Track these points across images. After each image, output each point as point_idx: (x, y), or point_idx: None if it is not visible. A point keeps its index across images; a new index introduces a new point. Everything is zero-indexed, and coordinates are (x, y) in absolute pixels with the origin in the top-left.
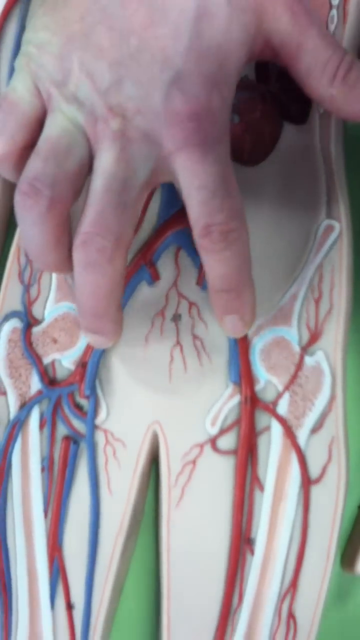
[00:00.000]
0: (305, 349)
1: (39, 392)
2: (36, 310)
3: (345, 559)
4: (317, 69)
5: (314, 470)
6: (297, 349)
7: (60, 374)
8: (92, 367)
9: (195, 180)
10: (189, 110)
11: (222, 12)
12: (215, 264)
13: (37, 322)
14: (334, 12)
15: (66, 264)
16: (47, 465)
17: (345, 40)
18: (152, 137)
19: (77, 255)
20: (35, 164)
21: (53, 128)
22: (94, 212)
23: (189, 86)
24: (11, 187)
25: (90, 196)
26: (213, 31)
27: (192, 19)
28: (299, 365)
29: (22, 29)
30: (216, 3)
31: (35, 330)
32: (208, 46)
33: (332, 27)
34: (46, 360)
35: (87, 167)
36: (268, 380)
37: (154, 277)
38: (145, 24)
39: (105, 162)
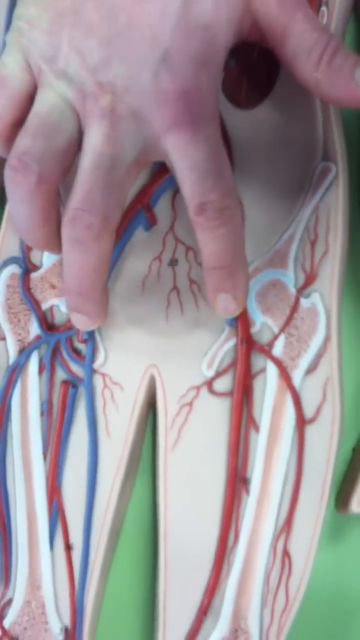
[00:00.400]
0: (301, 291)
1: (38, 337)
2: (34, 256)
3: (340, 500)
4: (302, 53)
5: (309, 411)
6: (292, 291)
7: (58, 319)
8: None
9: (186, 159)
10: (177, 89)
11: None
12: (210, 242)
13: (36, 268)
14: (324, 8)
15: (55, 242)
16: (46, 409)
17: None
18: (141, 115)
19: (65, 232)
20: (24, 140)
21: (43, 104)
22: (82, 190)
23: (177, 65)
24: None
25: (79, 173)
26: (201, 10)
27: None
28: (295, 307)
29: (13, 3)
30: None
31: (34, 276)
32: (196, 25)
33: (323, 21)
34: (45, 305)
35: (77, 144)
36: (264, 322)
37: (151, 222)
38: (134, 0)
39: (94, 139)
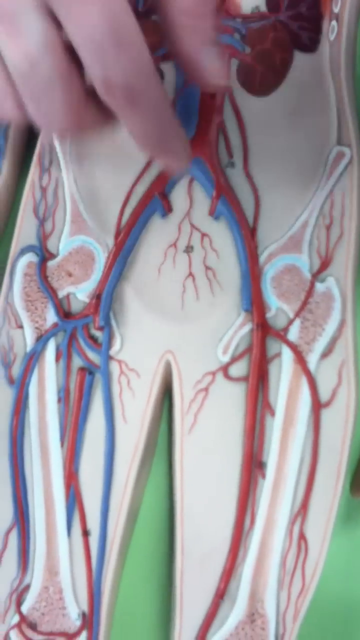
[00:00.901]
0: (316, 276)
1: (55, 325)
2: (51, 244)
3: (354, 484)
4: None
5: (324, 394)
6: (307, 275)
7: (75, 306)
8: (106, 299)
9: (81, 29)
10: None
11: None
12: (128, 122)
13: (52, 256)
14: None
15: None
16: (63, 396)
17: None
18: None
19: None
20: None
21: None
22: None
23: None
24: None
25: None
26: None
27: None
28: (310, 291)
29: None
30: None
31: (50, 264)
32: None
33: (336, 8)
34: (61, 293)
35: None
36: (279, 307)
37: (167, 209)
38: None
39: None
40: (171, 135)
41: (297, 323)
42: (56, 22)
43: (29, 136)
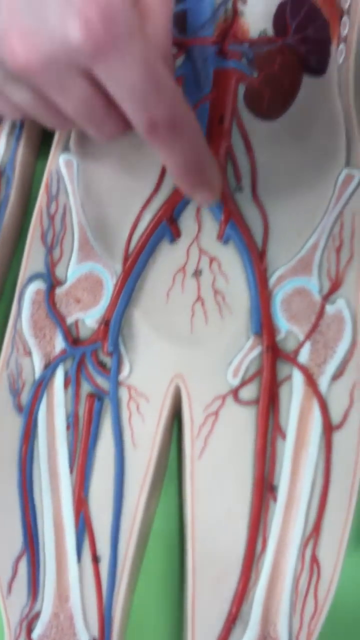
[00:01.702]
0: (326, 298)
1: (63, 351)
2: (59, 271)
3: None
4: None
5: (336, 416)
6: (317, 298)
7: (83, 333)
8: (114, 324)
9: (122, 86)
10: (88, 19)
11: None
12: (170, 156)
13: (60, 282)
14: (346, 18)
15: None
16: (72, 422)
17: (352, 68)
18: (61, 56)
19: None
20: None
21: None
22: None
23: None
24: (32, 152)
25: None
26: None
27: None
28: (320, 313)
29: None
30: None
31: (59, 290)
32: None
33: (344, 31)
34: (70, 319)
35: None
36: (289, 330)
37: (175, 234)
38: None
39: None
40: (207, 167)
41: (307, 345)
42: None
43: (36, 165)
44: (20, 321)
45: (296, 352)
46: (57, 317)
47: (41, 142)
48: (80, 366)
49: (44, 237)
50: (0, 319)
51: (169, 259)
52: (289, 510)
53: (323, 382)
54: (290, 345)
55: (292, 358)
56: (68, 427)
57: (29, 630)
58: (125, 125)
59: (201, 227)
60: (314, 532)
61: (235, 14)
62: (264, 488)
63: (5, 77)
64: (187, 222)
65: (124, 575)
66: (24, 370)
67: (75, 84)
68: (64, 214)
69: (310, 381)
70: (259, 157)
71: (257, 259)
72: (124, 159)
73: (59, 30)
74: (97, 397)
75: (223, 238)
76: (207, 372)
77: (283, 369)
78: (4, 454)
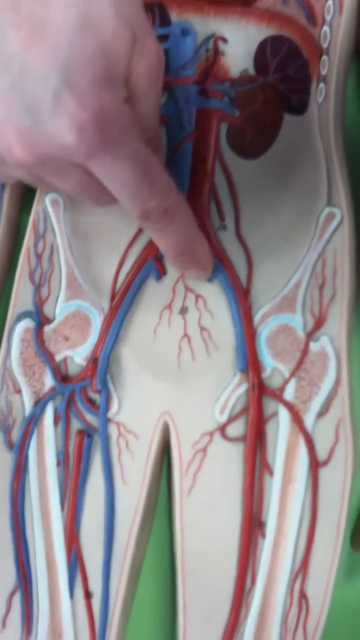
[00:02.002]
0: (310, 335)
1: (53, 389)
2: (47, 309)
3: (355, 538)
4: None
5: (322, 453)
6: (302, 335)
7: (72, 370)
8: (103, 362)
9: (115, 181)
10: (80, 122)
11: (109, 24)
12: (164, 239)
13: (49, 320)
14: (330, 2)
15: None
16: (63, 459)
17: (342, 30)
18: (55, 155)
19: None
20: None
21: None
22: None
23: (73, 98)
24: (19, 192)
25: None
26: (97, 41)
27: (73, 32)
28: (304, 351)
29: None
30: (102, 15)
31: (47, 328)
32: (92, 54)
33: (328, 17)
34: (58, 357)
35: None
36: (274, 367)
37: (161, 272)
38: (24, 44)
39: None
40: (199, 248)
41: (292, 382)
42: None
43: (23, 204)
44: (10, 359)
45: (282, 389)
46: (46, 355)
47: None
48: (69, 403)
49: (31, 275)
50: None
51: (155, 296)
52: (277, 546)
53: (309, 419)
54: (276, 382)
55: (278, 395)
56: (58, 464)
57: None
58: None
59: None
60: (302, 567)
61: (217, 53)
62: (253, 524)
63: (1, 161)
64: None
65: (116, 611)
66: (14, 407)
67: (70, 174)
68: (52, 252)
69: (296, 418)
70: (242, 195)
71: (241, 297)
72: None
73: (53, 132)
74: (86, 433)
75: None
76: (195, 408)
77: (269, 406)
78: None
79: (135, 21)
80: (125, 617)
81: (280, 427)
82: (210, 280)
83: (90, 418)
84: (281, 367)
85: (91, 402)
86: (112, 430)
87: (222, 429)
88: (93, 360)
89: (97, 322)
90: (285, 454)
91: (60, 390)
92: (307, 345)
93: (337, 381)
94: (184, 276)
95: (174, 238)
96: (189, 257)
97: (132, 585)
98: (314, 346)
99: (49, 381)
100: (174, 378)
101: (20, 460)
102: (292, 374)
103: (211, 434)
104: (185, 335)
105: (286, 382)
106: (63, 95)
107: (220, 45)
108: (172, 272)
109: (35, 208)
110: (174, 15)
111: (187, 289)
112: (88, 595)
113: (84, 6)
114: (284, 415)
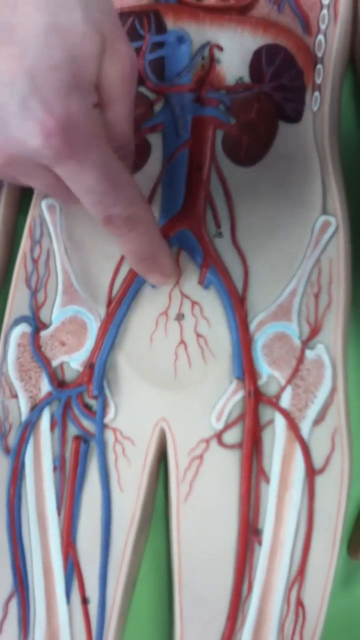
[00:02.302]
0: (306, 343)
1: (49, 394)
2: (44, 315)
3: (352, 546)
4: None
5: (318, 461)
6: (298, 343)
7: (69, 375)
8: (99, 368)
9: (80, 186)
10: (46, 128)
11: (77, 28)
12: (126, 243)
13: (45, 326)
14: (325, 11)
15: None
16: (59, 465)
17: (337, 39)
18: (22, 159)
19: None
20: None
21: None
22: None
23: (40, 103)
24: (15, 196)
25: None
26: (65, 46)
27: (41, 34)
28: (300, 358)
29: None
30: (70, 19)
31: (44, 333)
32: (59, 59)
33: (323, 26)
34: (55, 362)
35: None
36: (270, 374)
37: None
38: None
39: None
40: (160, 255)
41: (288, 390)
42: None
43: (20, 209)
44: (6, 364)
45: (278, 396)
46: (43, 360)
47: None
48: (66, 409)
49: (28, 280)
50: None
51: (151, 302)
52: (273, 554)
53: (305, 427)
54: (272, 390)
55: (274, 402)
56: (55, 469)
57: None
58: None
59: (182, 272)
60: (299, 575)
61: (212, 61)
62: (249, 532)
63: None
64: None
65: (113, 617)
66: (11, 412)
67: (38, 175)
68: (48, 257)
69: (292, 425)
70: (238, 203)
71: (237, 304)
72: None
73: (20, 135)
74: (83, 439)
75: (204, 283)
76: (191, 415)
77: (265, 413)
78: None
79: (105, 25)
80: (122, 624)
81: (277, 434)
82: (206, 287)
83: (87, 424)
84: (277, 375)
85: (88, 407)
86: (109, 436)
87: (219, 436)
88: (89, 366)
89: (93, 327)
90: (281, 461)
91: (56, 395)
92: (303, 353)
93: (333, 389)
94: (147, 280)
95: (136, 244)
96: (149, 263)
97: (128, 591)
98: (309, 354)
99: (45, 386)
100: (171, 384)
101: (16, 466)
102: (288, 381)
103: (208, 441)
104: (182, 342)
105: (282, 389)
106: (30, 101)
107: (216, 53)
108: None
109: (31, 213)
110: (170, 23)
111: (184, 295)
112: (85, 601)
113: (52, 11)
114: (280, 422)
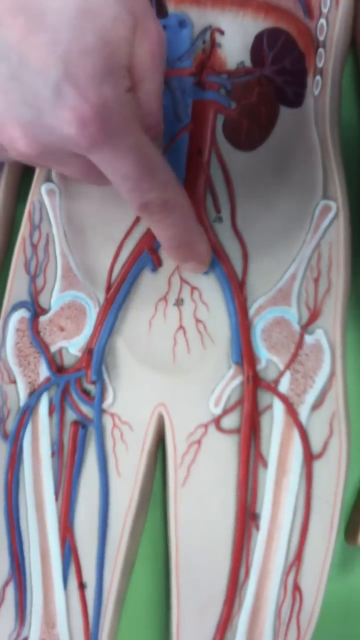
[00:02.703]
0: (305, 328)
1: (48, 379)
2: (43, 300)
3: (349, 531)
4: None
5: (316, 446)
6: (297, 327)
7: (67, 361)
8: (98, 353)
9: (116, 173)
10: (81, 115)
11: (109, 10)
12: (162, 230)
13: (44, 311)
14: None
15: None
16: (57, 450)
17: (338, 23)
18: (57, 149)
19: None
20: None
21: None
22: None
23: (74, 90)
24: (15, 181)
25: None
26: (97, 30)
27: (72, 19)
28: (299, 343)
29: None
30: (101, 1)
31: (42, 319)
32: (92, 44)
33: (324, 10)
34: (53, 348)
35: None
36: (269, 359)
37: (157, 263)
38: (22, 34)
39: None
40: (197, 241)
41: (287, 375)
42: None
43: (20, 193)
44: (5, 349)
45: (276, 381)
46: (41, 346)
47: (25, 170)
48: (64, 394)
49: (27, 265)
50: None
51: (151, 288)
52: (271, 538)
53: (303, 412)
54: (270, 375)
55: (273, 387)
56: (53, 454)
57: None
58: None
59: None
60: (296, 560)
61: (213, 45)
62: (247, 516)
63: (2, 149)
64: None
65: (109, 602)
66: (9, 397)
67: (71, 162)
68: (47, 242)
69: (291, 410)
70: (238, 188)
71: (237, 289)
72: (106, 188)
73: (55, 124)
74: (81, 424)
75: None
76: (190, 400)
77: (264, 398)
78: None
79: (136, 4)
80: (119, 608)
81: (275, 419)
82: (206, 272)
83: (85, 409)
84: (276, 360)
85: (86, 393)
86: (107, 421)
87: (217, 421)
88: (88, 351)
89: (92, 313)
90: (279, 446)
91: (55, 381)
92: (302, 338)
93: (332, 374)
94: (181, 269)
95: (173, 230)
96: (186, 249)
97: (126, 576)
98: (308, 339)
99: (43, 372)
100: (169, 370)
101: (14, 451)
102: (287, 366)
103: (206, 426)
104: (181, 327)
105: (281, 374)
106: (64, 88)
107: (217, 37)
108: (168, 264)
109: (31, 198)
110: (171, 7)
111: (183, 280)
112: (82, 586)
113: None
114: (278, 407)
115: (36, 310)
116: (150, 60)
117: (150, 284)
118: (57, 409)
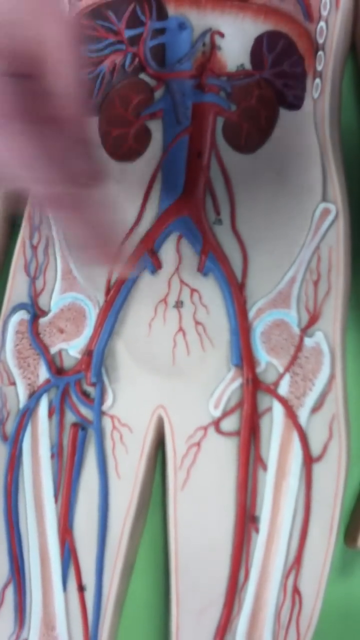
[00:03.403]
0: (305, 330)
1: (47, 381)
2: (42, 302)
3: (348, 534)
4: None
5: (316, 448)
6: (296, 330)
7: (67, 363)
8: (97, 355)
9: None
10: None
11: None
12: (70, 229)
13: (44, 313)
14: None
15: None
16: (57, 452)
17: (338, 26)
18: None
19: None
20: None
21: None
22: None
23: None
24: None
25: None
26: None
27: None
28: (299, 346)
29: None
30: None
31: (42, 321)
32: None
33: (324, 13)
34: (53, 349)
35: None
36: (269, 362)
37: (156, 266)
38: None
39: None
40: (104, 238)
41: (287, 377)
42: None
43: (19, 197)
44: (4, 351)
45: (276, 384)
46: (41, 347)
47: None
48: (64, 396)
49: (27, 267)
50: None
51: (150, 290)
52: (270, 541)
53: (303, 414)
54: (270, 377)
55: (272, 390)
56: (52, 456)
57: None
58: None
59: (182, 259)
60: (296, 563)
61: (213, 48)
62: (246, 519)
63: None
64: (167, 253)
65: (109, 604)
66: (9, 399)
67: None
68: (47, 244)
69: (290, 413)
70: (238, 190)
71: (236, 291)
72: (104, 190)
73: None
74: (81, 426)
75: (203, 270)
76: (189, 403)
77: (263, 401)
78: None
79: None
80: (118, 611)
81: (274, 421)
82: (205, 274)
83: (85, 411)
84: (275, 362)
85: (86, 395)
86: (107, 423)
87: (217, 423)
88: (88, 353)
89: (92, 315)
90: (279, 449)
91: (54, 382)
92: (301, 340)
93: (332, 377)
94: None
95: (77, 228)
96: (91, 247)
97: (125, 578)
98: (308, 342)
99: (43, 374)
100: (169, 372)
101: (14, 452)
102: (287, 369)
103: (205, 428)
104: (180, 329)
105: (280, 377)
106: None
107: (217, 39)
108: (168, 266)
109: (30, 200)
110: (171, 9)
111: (183, 283)
112: (81, 588)
113: None
114: (278, 410)
115: (36, 312)
116: (55, 44)
117: (149, 286)
118: (57, 411)
